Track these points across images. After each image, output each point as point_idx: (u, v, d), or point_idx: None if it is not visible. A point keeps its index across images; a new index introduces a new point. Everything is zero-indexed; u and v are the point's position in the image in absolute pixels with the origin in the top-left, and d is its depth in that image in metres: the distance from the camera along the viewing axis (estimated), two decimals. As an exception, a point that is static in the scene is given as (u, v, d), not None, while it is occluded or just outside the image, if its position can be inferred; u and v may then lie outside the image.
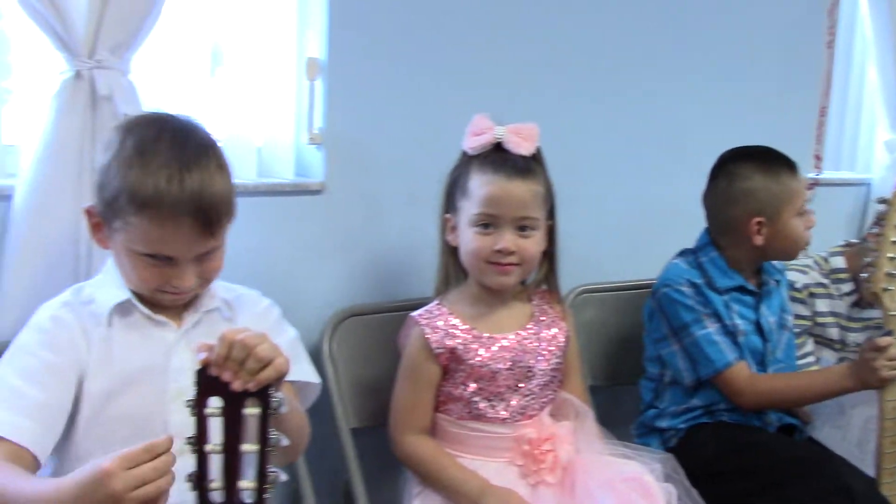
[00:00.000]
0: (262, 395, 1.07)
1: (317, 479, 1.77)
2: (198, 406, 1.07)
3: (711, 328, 1.94)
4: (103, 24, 1.54)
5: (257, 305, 1.52)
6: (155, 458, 1.05)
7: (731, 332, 1.96)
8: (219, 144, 1.40)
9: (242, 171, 1.85)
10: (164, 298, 1.40)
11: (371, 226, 2.01)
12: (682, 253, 2.06)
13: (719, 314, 1.96)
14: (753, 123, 2.46)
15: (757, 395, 1.93)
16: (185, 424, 1.07)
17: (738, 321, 1.97)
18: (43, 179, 1.55)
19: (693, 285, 1.97)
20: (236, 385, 1.07)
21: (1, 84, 1.65)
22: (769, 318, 2.02)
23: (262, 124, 1.95)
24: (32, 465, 1.27)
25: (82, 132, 1.56)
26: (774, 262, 2.10)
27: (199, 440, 1.06)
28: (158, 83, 1.75)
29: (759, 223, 1.96)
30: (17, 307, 1.54)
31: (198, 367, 1.08)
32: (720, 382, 1.93)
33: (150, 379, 1.37)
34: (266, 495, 1.05)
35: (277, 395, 1.08)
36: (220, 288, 1.48)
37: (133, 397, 1.36)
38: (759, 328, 2.01)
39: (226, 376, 1.07)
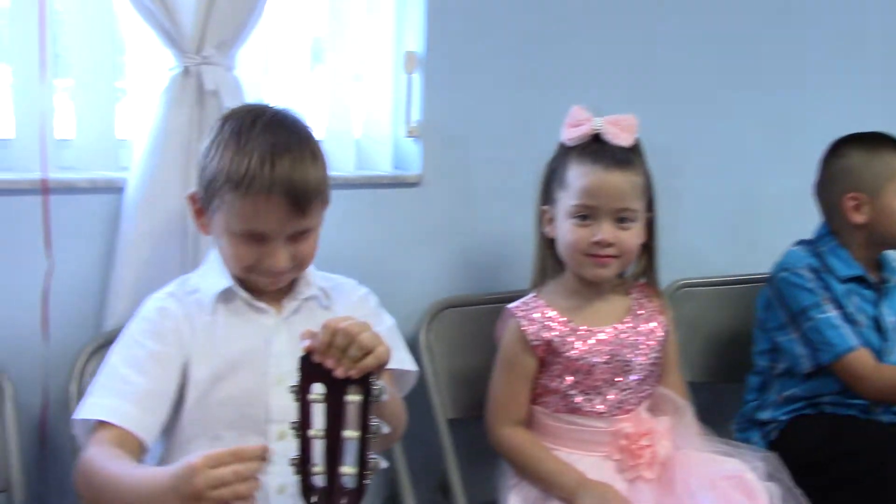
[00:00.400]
0: (364, 383, 1.08)
1: (413, 468, 1.78)
2: (301, 392, 1.09)
3: (832, 313, 1.87)
4: (210, 22, 1.58)
5: (354, 293, 1.54)
6: (240, 462, 1.06)
7: (851, 321, 1.89)
8: (314, 135, 1.44)
9: (341, 164, 1.89)
10: (259, 281, 1.43)
11: (468, 217, 2.02)
12: (801, 242, 2.00)
13: (839, 301, 1.89)
14: (868, 111, 2.36)
15: (881, 382, 1.85)
16: (285, 409, 1.09)
17: (857, 314, 1.90)
18: (152, 172, 1.61)
19: (813, 270, 1.92)
20: (339, 372, 1.09)
21: (115, 84, 1.71)
22: (889, 317, 1.95)
23: (361, 117, 1.98)
24: (138, 449, 1.31)
25: (189, 126, 1.61)
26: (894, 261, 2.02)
27: (302, 425, 1.08)
28: (262, 78, 1.79)
29: (853, 198, 1.91)
30: (128, 296, 1.61)
31: (302, 353, 1.10)
32: (841, 368, 1.86)
33: (252, 364, 1.40)
34: (366, 481, 1.07)
35: (379, 383, 1.09)
36: (318, 276, 1.51)
37: (235, 382, 1.40)
38: (877, 325, 1.93)
39: (329, 363, 1.09)
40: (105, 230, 1.65)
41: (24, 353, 1.59)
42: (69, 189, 1.62)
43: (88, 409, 1.33)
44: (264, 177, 1.33)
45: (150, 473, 1.18)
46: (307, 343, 1.11)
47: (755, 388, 2.01)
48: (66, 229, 1.61)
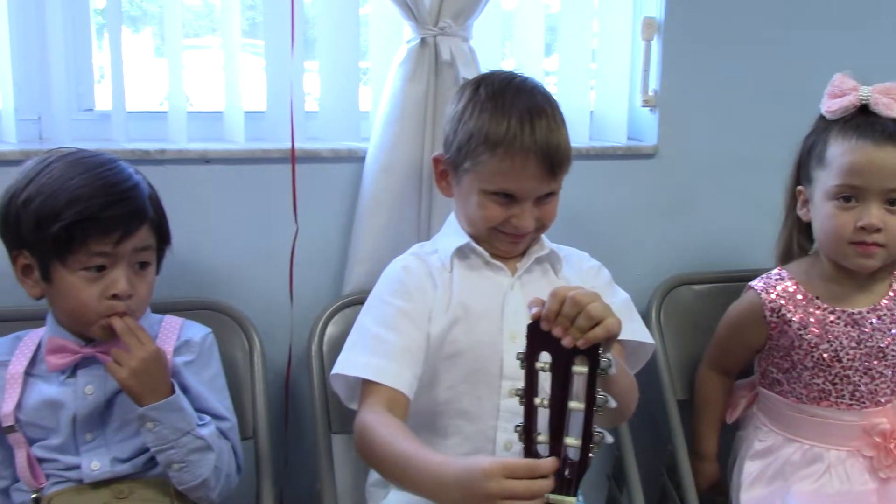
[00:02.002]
0: (591, 354, 1.05)
1: (640, 447, 1.73)
2: (528, 359, 1.08)
3: None
4: (448, -7, 1.61)
5: (586, 265, 1.52)
6: (533, 477, 1.06)
7: None
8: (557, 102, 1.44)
9: (575, 135, 1.84)
10: (501, 243, 1.43)
11: (704, 191, 1.93)
12: None
13: None
14: None
15: None
16: (518, 367, 1.09)
17: None
18: (389, 141, 1.65)
19: None
20: (566, 341, 1.07)
21: (360, 64, 1.76)
22: None
23: (596, 86, 1.93)
24: (406, 406, 1.34)
25: (426, 96, 1.65)
26: None
27: (528, 393, 1.07)
28: (496, 47, 1.80)
29: None
30: (365, 261, 1.67)
31: (529, 321, 1.09)
32: None
33: (487, 319, 1.41)
34: (590, 454, 1.05)
35: (607, 356, 1.06)
36: (550, 244, 1.50)
37: (471, 335, 1.41)
38: None
39: (556, 332, 1.08)
40: (346, 198, 1.72)
41: (273, 311, 1.70)
42: (314, 158, 1.70)
43: (347, 365, 1.37)
44: (525, 138, 1.35)
45: (436, 461, 1.18)
46: (535, 311, 1.09)
47: None
48: (311, 196, 1.70)
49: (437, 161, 1.48)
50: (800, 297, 1.58)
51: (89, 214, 1.28)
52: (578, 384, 1.05)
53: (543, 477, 1.06)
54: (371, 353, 1.37)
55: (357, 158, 1.71)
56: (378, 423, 1.28)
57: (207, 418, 1.40)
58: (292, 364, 1.72)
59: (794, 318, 1.56)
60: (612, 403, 1.05)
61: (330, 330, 1.64)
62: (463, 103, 1.43)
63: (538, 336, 1.08)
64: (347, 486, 1.65)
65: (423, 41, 1.63)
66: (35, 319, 1.42)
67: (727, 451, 1.72)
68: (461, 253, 1.46)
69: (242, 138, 1.69)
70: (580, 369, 1.06)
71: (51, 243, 1.29)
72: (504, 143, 1.36)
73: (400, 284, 1.43)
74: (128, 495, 1.36)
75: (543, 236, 1.49)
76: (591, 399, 1.04)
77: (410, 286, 1.43)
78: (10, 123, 1.60)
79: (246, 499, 1.54)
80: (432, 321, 1.41)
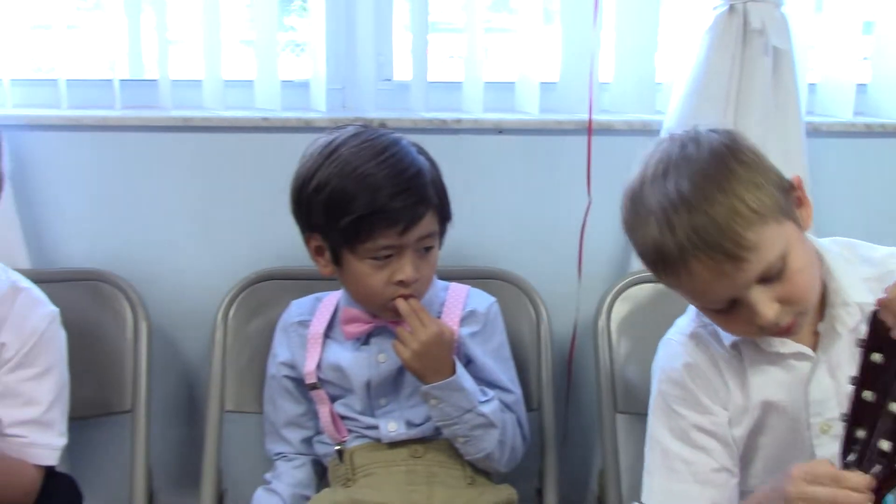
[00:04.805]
0: None
1: None
2: (866, 350, 0.97)
3: None
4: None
5: None
6: (839, 487, 0.97)
7: None
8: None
9: (835, 109, 1.71)
10: (775, 339, 1.20)
11: None
12: None
13: None
14: None
15: None
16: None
17: None
18: (688, 113, 1.58)
19: None
20: None
21: (655, 37, 1.69)
22: None
23: (864, 62, 1.75)
24: None
25: (731, 66, 1.56)
26: None
27: (859, 384, 0.97)
28: (810, 16, 1.68)
29: None
30: None
31: (873, 308, 0.98)
32: None
33: (789, 414, 1.21)
34: None
35: None
36: (855, 291, 1.18)
37: (772, 435, 1.22)
38: None
39: None
40: (635, 172, 1.67)
41: (560, 283, 1.68)
42: (607, 130, 1.66)
43: (651, 494, 1.24)
44: (669, 244, 1.08)
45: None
46: (882, 297, 0.97)
47: None
48: (603, 169, 1.65)
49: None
50: None
51: (376, 207, 1.29)
52: None
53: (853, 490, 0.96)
54: (671, 479, 1.23)
55: (651, 131, 1.64)
56: None
57: (491, 393, 1.41)
58: (577, 339, 1.70)
59: None
60: None
61: (618, 307, 1.59)
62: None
63: (880, 327, 0.97)
64: (627, 467, 1.61)
65: (731, 7, 1.55)
66: (334, 279, 1.43)
67: None
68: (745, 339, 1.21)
69: (536, 109, 1.68)
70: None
71: (340, 234, 1.32)
72: (660, 262, 1.10)
73: (687, 392, 1.22)
74: (422, 455, 1.40)
75: (845, 287, 1.17)
76: None
77: (700, 394, 1.22)
78: (320, 92, 1.68)
79: (528, 469, 1.54)
80: (731, 426, 1.22)
